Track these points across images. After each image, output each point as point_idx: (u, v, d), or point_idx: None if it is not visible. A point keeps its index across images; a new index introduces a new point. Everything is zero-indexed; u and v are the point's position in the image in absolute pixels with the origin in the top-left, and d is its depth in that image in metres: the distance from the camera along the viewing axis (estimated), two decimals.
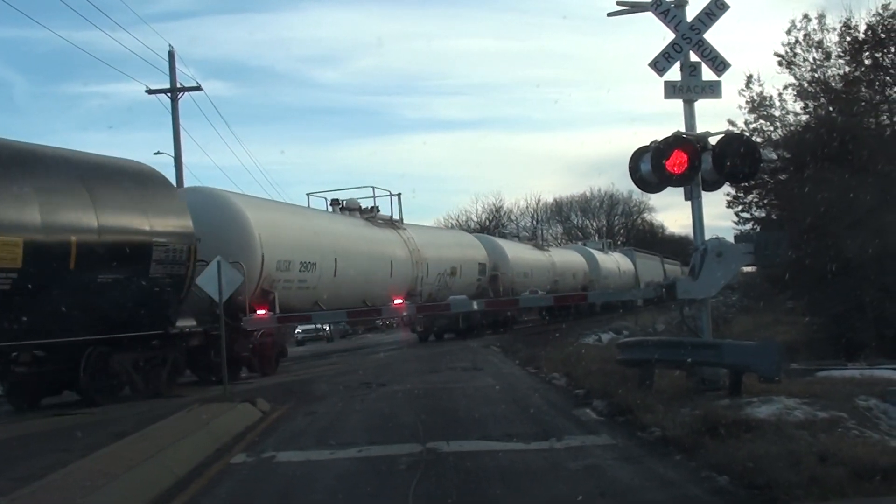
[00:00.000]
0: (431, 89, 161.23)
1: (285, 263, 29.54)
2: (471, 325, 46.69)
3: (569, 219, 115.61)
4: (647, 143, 18.88)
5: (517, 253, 56.82)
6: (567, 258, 68.54)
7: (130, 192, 22.70)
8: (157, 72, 56.83)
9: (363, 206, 40.12)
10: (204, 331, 25.06)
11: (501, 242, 56.50)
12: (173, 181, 31.15)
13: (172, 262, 22.95)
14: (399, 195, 42.85)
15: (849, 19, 34.97)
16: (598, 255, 73.82)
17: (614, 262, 78.83)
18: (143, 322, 22.18)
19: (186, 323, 24.46)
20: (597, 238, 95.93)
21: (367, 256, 35.89)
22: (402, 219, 42.44)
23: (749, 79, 37.14)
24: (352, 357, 39.43)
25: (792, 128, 36.52)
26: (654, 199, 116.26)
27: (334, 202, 38.83)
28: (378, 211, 40.76)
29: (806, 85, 36.06)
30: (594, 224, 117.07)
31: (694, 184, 18.44)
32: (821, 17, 35.74)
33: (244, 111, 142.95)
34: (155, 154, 38.20)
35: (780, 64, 36.46)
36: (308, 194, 38.48)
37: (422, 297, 39.46)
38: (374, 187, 41.13)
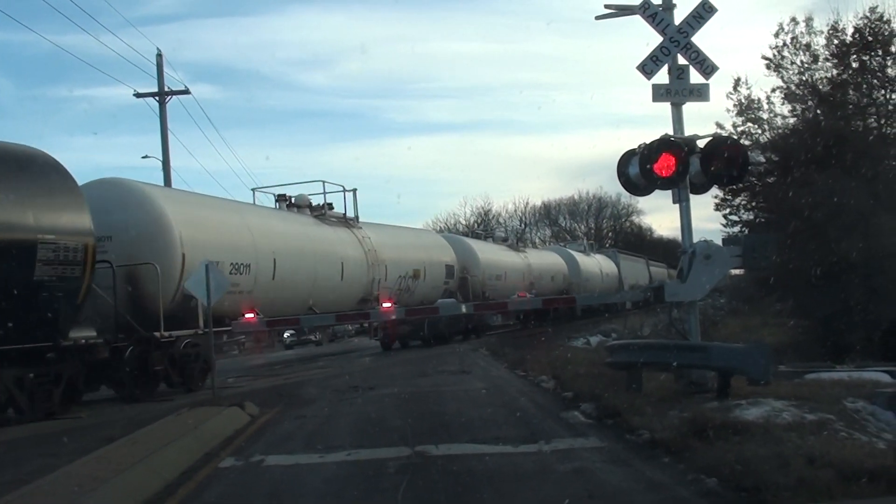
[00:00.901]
0: (418, 92, 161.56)
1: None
2: (437, 332, 42.27)
3: (557, 222, 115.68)
4: (635, 147, 18.94)
5: (489, 254, 54.31)
6: (545, 260, 66.20)
7: (11, 180, 19.48)
8: (145, 75, 56.68)
9: (315, 203, 37.55)
10: (105, 342, 21.97)
11: (472, 243, 53.86)
12: (161, 184, 30.95)
13: (64, 263, 19.98)
14: (354, 191, 39.93)
15: (836, 22, 35.11)
16: (579, 257, 71.51)
17: (596, 264, 76.39)
18: (28, 332, 19.18)
19: (84, 334, 21.27)
20: (585, 241, 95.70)
21: (313, 257, 33.26)
22: (357, 216, 39.64)
23: (737, 82, 37.26)
24: (340, 361, 39.14)
25: (780, 131, 36.63)
26: (642, 202, 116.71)
27: (281, 198, 36.62)
28: (332, 208, 38.25)
29: (794, 88, 36.16)
30: (582, 227, 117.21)
31: (682, 187, 18.48)
32: (808, 20, 35.86)
33: (231, 114, 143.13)
34: (143, 158, 38.17)
35: (767, 67, 36.58)
36: (253, 190, 36.78)
37: (378, 302, 36.11)
38: (324, 182, 38.16)
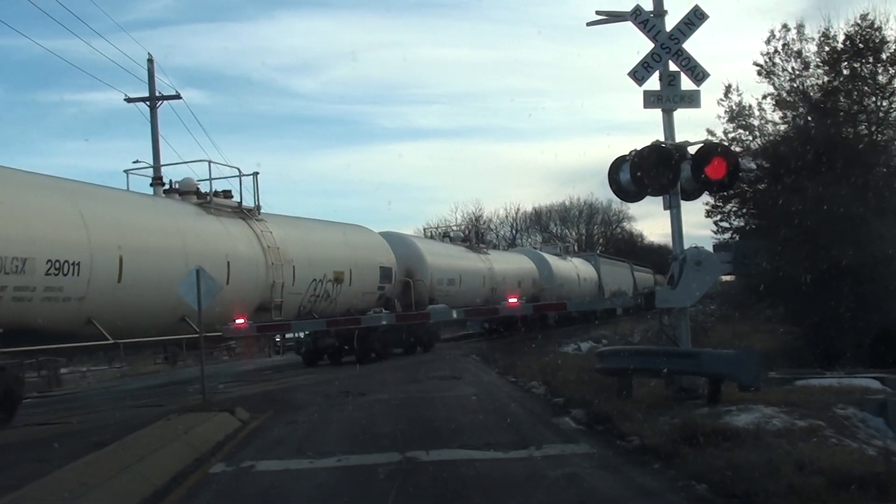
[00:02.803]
0: (408, 99, 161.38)
1: (16, 263, 20.18)
2: (369, 345, 35.43)
3: (548, 228, 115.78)
4: (627, 153, 18.97)
5: (440, 256, 47.18)
6: (511, 263, 59.29)
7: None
8: (135, 80, 56.52)
9: (221, 191, 31.45)
10: None
11: (418, 242, 46.78)
12: (149, 190, 30.44)
13: None
14: (255, 175, 32.88)
15: (827, 29, 35.10)
16: (552, 261, 65.02)
17: (573, 268, 70.06)
18: None
19: None
20: (575, 247, 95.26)
21: (184, 255, 25.87)
22: (259, 206, 32.30)
23: (728, 88, 37.18)
24: (331, 367, 39.01)
25: (771, 137, 36.59)
26: (633, 208, 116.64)
27: (157, 181, 30.42)
28: (230, 197, 31.72)
29: (785, 94, 36.14)
30: (573, 233, 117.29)
31: (673, 193, 18.52)
32: (800, 27, 35.83)
33: (221, 120, 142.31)
34: (134, 162, 37.59)
35: (759, 73, 36.55)
36: (126, 171, 29.56)
37: (282, 311, 30.67)
38: (210, 162, 30.99)
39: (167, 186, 30.33)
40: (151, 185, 30.08)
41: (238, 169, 32.24)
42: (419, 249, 44.57)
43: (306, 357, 36.68)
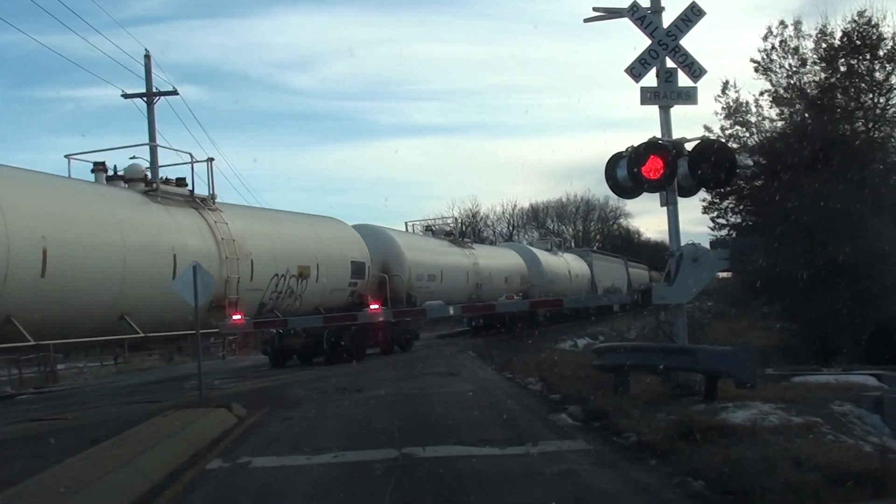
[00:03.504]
0: (405, 95, 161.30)
1: None
2: (340, 344, 33.66)
3: (544, 224, 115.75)
4: (623, 149, 18.96)
5: (420, 250, 44.40)
6: (498, 259, 56.83)
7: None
8: (132, 76, 56.43)
9: (170, 178, 28.87)
10: None
11: (396, 236, 43.15)
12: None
13: None
14: (209, 161, 30.00)
15: (825, 26, 35.23)
16: (542, 256, 62.35)
17: (564, 264, 67.42)
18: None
19: None
20: (572, 244, 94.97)
21: (122, 248, 23.59)
22: (214, 195, 29.46)
23: (725, 85, 37.30)
24: (323, 366, 38.82)
25: (768, 134, 36.68)
26: (630, 205, 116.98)
27: (99, 167, 26.91)
28: (183, 185, 28.92)
29: (782, 91, 36.23)
30: (570, 229, 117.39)
31: (670, 189, 18.52)
32: (797, 24, 35.97)
33: (218, 116, 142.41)
34: (130, 158, 37.30)
35: (756, 70, 36.66)
36: (67, 156, 26.88)
37: (237, 306, 27.55)
38: (156, 145, 29.48)
39: (110, 173, 27.34)
40: (93, 171, 26.93)
41: (190, 154, 29.71)
42: (397, 243, 41.83)
43: (272, 357, 34.44)
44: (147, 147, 29.65)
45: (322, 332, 32.48)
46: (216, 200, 29.46)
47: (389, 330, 37.28)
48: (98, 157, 26.89)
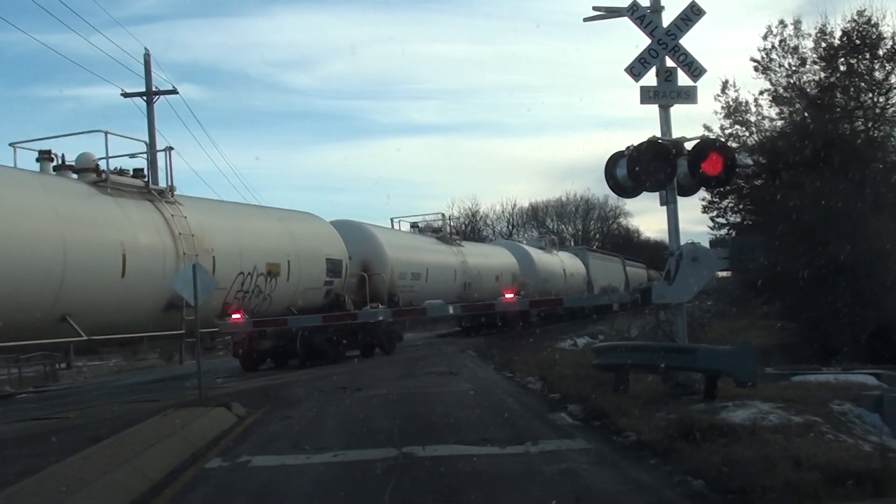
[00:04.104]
0: (405, 94, 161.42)
1: None
2: (314, 347, 31.93)
3: (544, 223, 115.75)
4: (623, 148, 18.97)
5: (403, 248, 42.43)
6: (489, 257, 54.73)
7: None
8: (132, 75, 56.33)
9: (135, 169, 26.46)
10: None
11: (378, 233, 40.73)
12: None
13: None
14: (168, 150, 27.92)
15: (824, 25, 35.23)
16: (535, 254, 60.78)
17: (558, 262, 65.57)
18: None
19: None
20: (572, 243, 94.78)
21: (62, 242, 21.40)
22: (172, 187, 27.16)
23: (725, 84, 37.30)
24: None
25: (767, 133, 36.69)
26: (629, 204, 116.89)
27: (44, 156, 24.65)
28: (141, 176, 26.66)
29: (781, 90, 36.23)
30: (570, 229, 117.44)
31: (669, 189, 18.52)
32: (797, 23, 35.96)
33: (218, 115, 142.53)
34: (130, 157, 36.88)
35: (755, 69, 36.66)
36: (13, 145, 24.76)
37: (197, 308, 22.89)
38: (107, 132, 24.88)
39: (57, 163, 24.96)
40: (38, 160, 24.78)
41: (145, 142, 28.07)
42: (378, 240, 39.56)
43: (244, 360, 32.51)
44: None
45: (296, 334, 30.86)
46: (175, 193, 27.17)
47: (370, 331, 35.60)
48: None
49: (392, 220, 47.55)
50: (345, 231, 37.26)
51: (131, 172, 26.06)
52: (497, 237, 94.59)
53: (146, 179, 26.66)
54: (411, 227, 49.79)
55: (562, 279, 64.06)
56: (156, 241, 24.69)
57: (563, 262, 66.70)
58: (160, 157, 27.58)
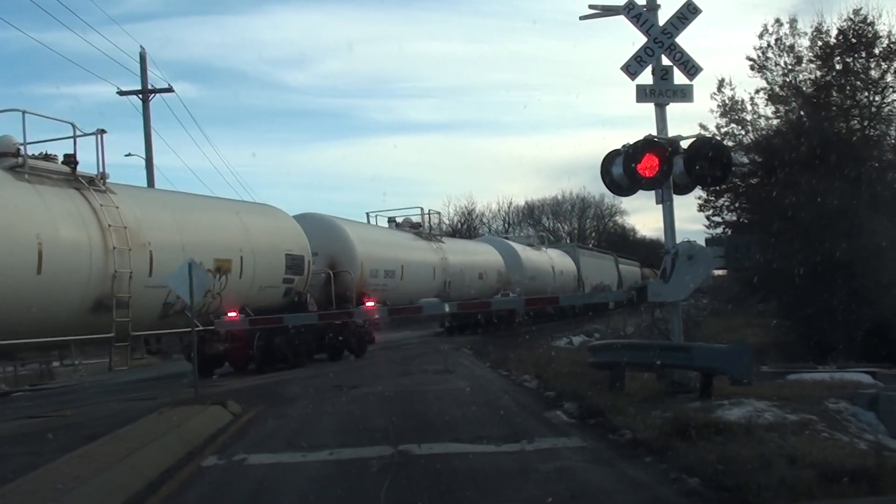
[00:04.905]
0: (401, 92, 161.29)
1: None
2: (272, 350, 29.50)
3: (540, 222, 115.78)
4: (619, 147, 18.99)
5: (376, 244, 39.34)
6: (472, 254, 52.01)
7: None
8: (128, 73, 56.35)
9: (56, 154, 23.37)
10: None
11: (347, 227, 37.76)
12: (145, 183, 28.79)
13: None
14: (99, 133, 24.18)
15: (820, 24, 35.26)
16: (522, 251, 58.51)
17: (547, 259, 63.73)
18: None
19: None
20: (567, 240, 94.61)
21: None
22: (104, 174, 23.99)
23: (721, 83, 37.35)
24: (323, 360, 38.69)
25: (763, 132, 36.74)
26: (625, 203, 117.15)
27: None
28: (74, 163, 23.39)
29: (777, 89, 36.28)
30: (566, 227, 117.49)
31: (665, 187, 18.55)
32: (793, 22, 36.00)
33: (214, 113, 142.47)
34: (126, 156, 36.57)
35: (752, 68, 36.70)
36: None
37: (129, 309, 22.72)
38: (24, 112, 22.14)
39: None
40: None
41: (72, 124, 23.74)
42: (346, 235, 36.72)
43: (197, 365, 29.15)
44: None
45: (253, 335, 28.19)
46: (107, 181, 24.10)
47: (338, 332, 33.61)
48: None
49: (368, 214, 45.57)
50: (310, 225, 34.89)
51: (61, 158, 23.37)
52: (493, 235, 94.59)
53: (74, 165, 23.38)
54: (388, 222, 46.90)
55: (550, 277, 62.56)
56: (80, 235, 22.02)
57: (552, 260, 65.15)
58: (91, 140, 24.07)
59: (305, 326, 30.14)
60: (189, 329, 22.35)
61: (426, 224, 48.28)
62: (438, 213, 50.87)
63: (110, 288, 22.35)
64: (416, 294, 39.15)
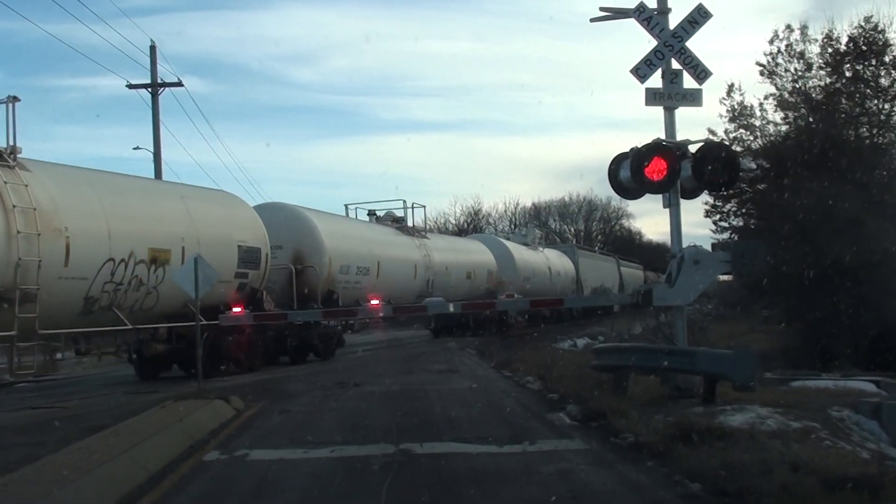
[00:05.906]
0: (408, 91, 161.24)
1: None
2: (220, 353, 26.90)
3: (547, 223, 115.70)
4: (627, 150, 18.97)
5: (348, 238, 36.38)
6: (460, 253, 49.29)
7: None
8: (137, 66, 56.35)
9: None
10: None
11: (315, 219, 34.62)
12: (152, 176, 28.56)
13: None
14: (11, 101, 21.18)
15: (831, 31, 35.12)
16: (516, 251, 55.84)
17: (543, 260, 61.09)
18: None
19: None
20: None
21: None
22: (14, 148, 21.06)
23: (730, 88, 37.19)
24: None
25: (772, 138, 36.65)
26: (632, 206, 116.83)
27: None
28: None
29: (787, 95, 36.15)
30: (572, 229, 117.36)
31: (673, 191, 18.52)
32: (803, 28, 35.85)
33: (222, 108, 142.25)
34: (134, 149, 36.48)
35: (761, 74, 36.56)
36: None
37: (38, 303, 19.93)
38: None
39: None
40: None
41: None
42: (313, 227, 33.65)
43: (139, 368, 27.44)
44: None
45: (202, 334, 23.23)
46: (18, 156, 21.24)
47: (301, 333, 31.87)
48: None
49: (346, 206, 42.96)
50: (274, 216, 32.23)
51: None
52: (500, 236, 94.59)
53: None
54: (369, 215, 44.05)
55: (546, 278, 60.13)
56: None
57: (548, 261, 62.70)
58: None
59: (259, 328, 28.14)
60: (121, 328, 22.40)
61: (409, 218, 45.81)
62: (423, 207, 47.94)
63: (12, 279, 19.65)
64: (394, 293, 36.53)
